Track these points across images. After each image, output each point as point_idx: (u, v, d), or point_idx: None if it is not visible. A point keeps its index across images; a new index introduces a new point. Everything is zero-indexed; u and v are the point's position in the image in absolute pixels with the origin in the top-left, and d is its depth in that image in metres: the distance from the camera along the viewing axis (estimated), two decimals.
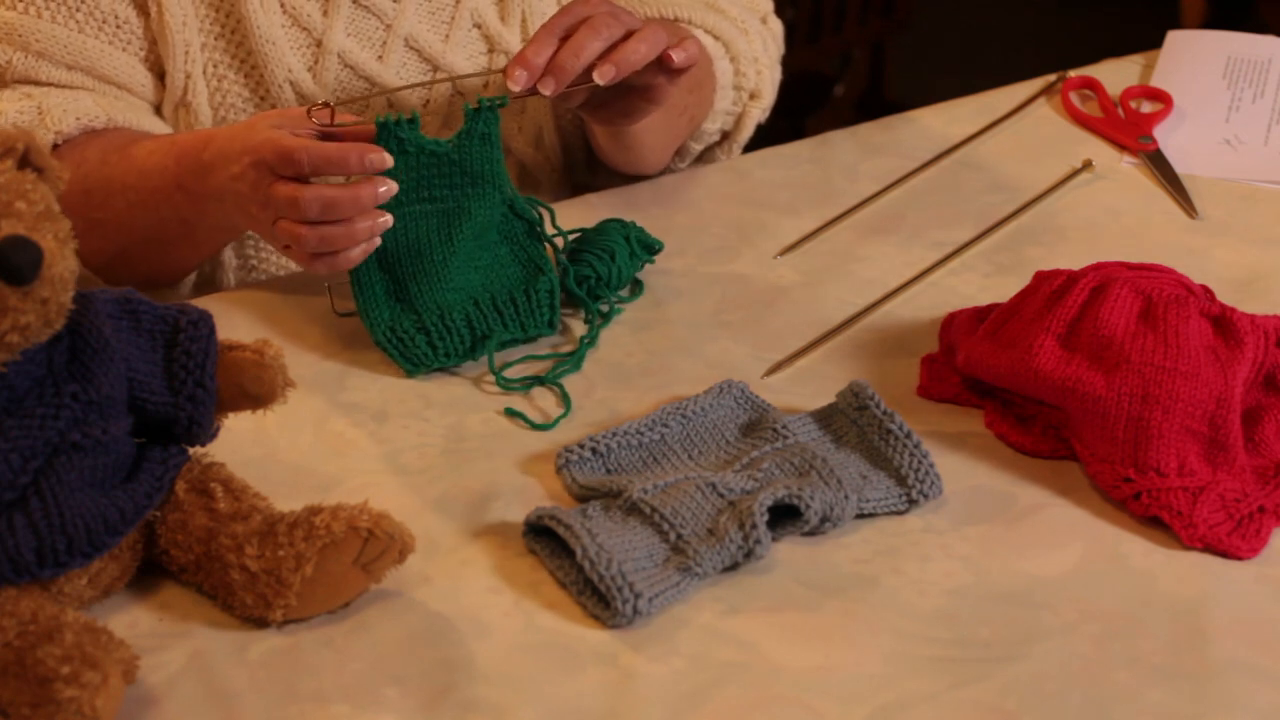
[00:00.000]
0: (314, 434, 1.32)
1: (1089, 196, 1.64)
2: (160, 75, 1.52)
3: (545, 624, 1.15)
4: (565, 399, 1.35)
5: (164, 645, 1.13)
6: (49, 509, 1.08)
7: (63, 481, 1.09)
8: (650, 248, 1.49)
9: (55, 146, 1.44)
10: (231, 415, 1.19)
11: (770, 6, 1.74)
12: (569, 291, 1.44)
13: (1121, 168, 1.69)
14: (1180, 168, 1.68)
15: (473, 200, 1.40)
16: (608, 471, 1.26)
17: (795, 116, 3.15)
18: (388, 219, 1.35)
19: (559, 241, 1.46)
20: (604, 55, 1.38)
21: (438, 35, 1.57)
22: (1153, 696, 1.11)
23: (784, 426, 1.28)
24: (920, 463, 1.25)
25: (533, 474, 1.28)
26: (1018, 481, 1.29)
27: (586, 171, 1.71)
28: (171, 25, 1.49)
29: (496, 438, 1.32)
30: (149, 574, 1.17)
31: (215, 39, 1.51)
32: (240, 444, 1.24)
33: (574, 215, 1.53)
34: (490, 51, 1.59)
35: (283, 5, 1.51)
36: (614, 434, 1.28)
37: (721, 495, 1.21)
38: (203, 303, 1.44)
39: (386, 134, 1.35)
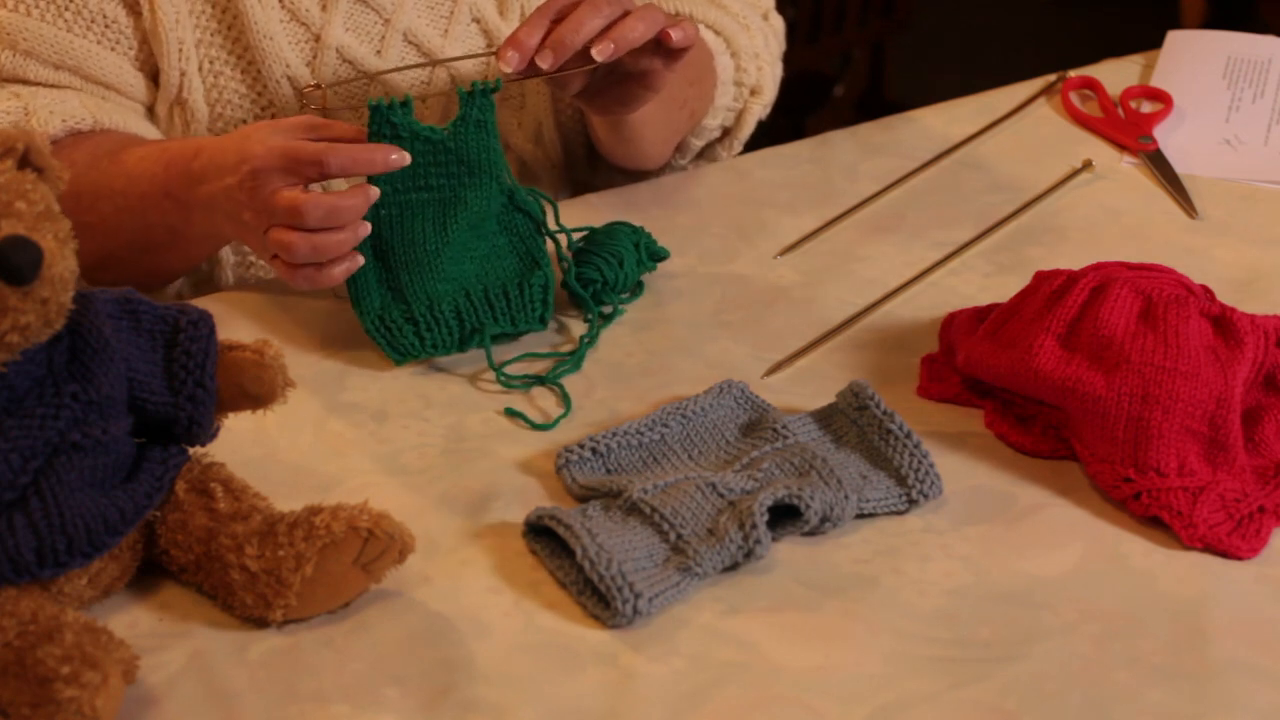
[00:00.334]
0: (314, 434, 1.32)
1: (1089, 196, 1.64)
2: (153, 76, 1.52)
3: (545, 624, 1.15)
4: (565, 399, 1.35)
5: (164, 645, 1.13)
6: (49, 509, 1.08)
7: (63, 481, 1.09)
8: (657, 256, 1.49)
9: None
10: (231, 415, 1.19)
11: (771, 3, 1.74)
12: (571, 290, 1.44)
13: (1121, 168, 1.69)
14: (1180, 168, 1.68)
15: (469, 190, 1.40)
16: (608, 471, 1.26)
17: (795, 116, 3.15)
18: (367, 227, 1.35)
19: (562, 238, 1.46)
20: (603, 33, 1.38)
21: (436, 30, 1.57)
22: (1153, 696, 1.11)
23: (784, 426, 1.28)
24: (920, 463, 1.25)
25: (533, 474, 1.28)
26: (1018, 481, 1.29)
27: (587, 168, 1.71)
28: (164, 23, 1.49)
29: (496, 438, 1.32)
30: (149, 574, 1.17)
31: (212, 35, 1.51)
32: (240, 444, 1.24)
33: (574, 215, 1.53)
34: (489, 46, 1.59)
35: (281, 0, 1.51)
36: (614, 434, 1.28)
37: (721, 495, 1.21)
38: (202, 303, 1.44)
39: (379, 118, 1.35)
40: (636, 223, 1.49)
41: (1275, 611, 1.19)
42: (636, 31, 1.39)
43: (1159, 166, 1.68)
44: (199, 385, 1.15)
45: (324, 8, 1.52)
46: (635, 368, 1.40)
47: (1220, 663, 1.14)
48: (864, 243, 1.57)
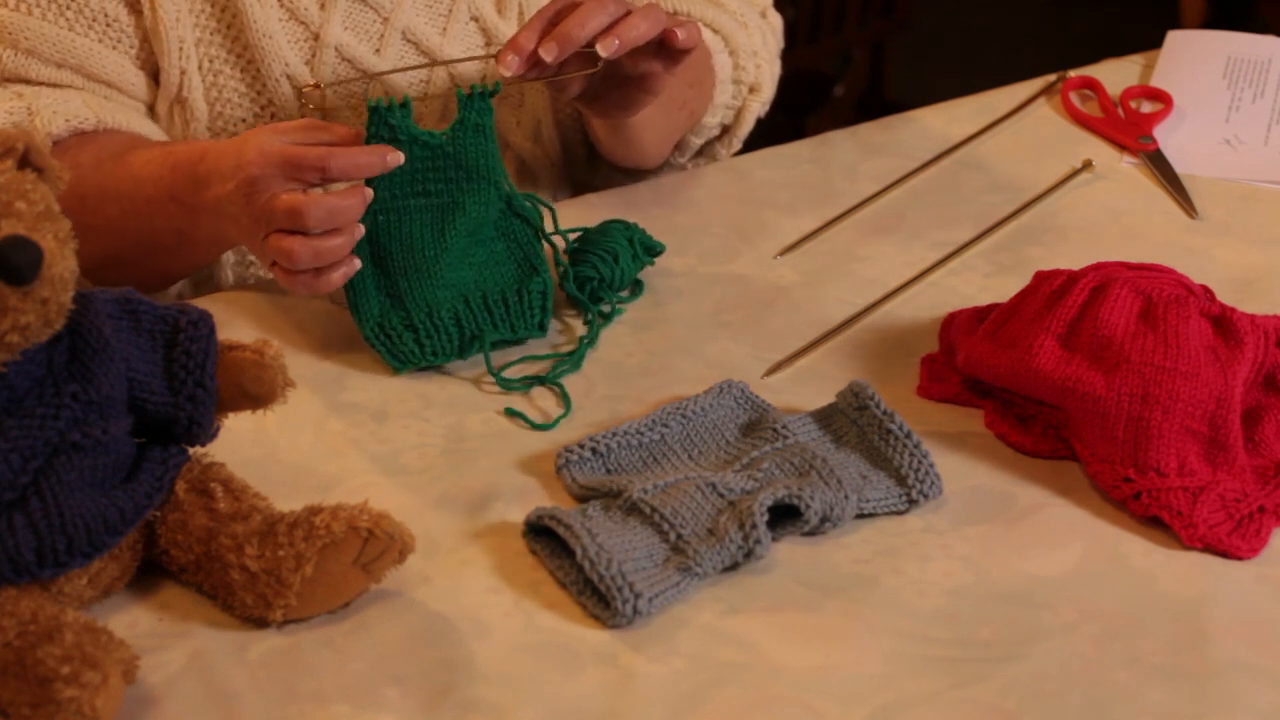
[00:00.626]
0: (314, 434, 1.32)
1: (1089, 196, 1.64)
2: (153, 74, 1.52)
3: (545, 624, 1.15)
4: (565, 399, 1.35)
5: (164, 645, 1.13)
6: (49, 509, 1.08)
7: (63, 481, 1.09)
8: (652, 250, 1.49)
9: None
10: (231, 415, 1.19)
11: (769, 1, 1.74)
12: (569, 293, 1.44)
13: (1121, 168, 1.69)
14: (1180, 168, 1.68)
15: (467, 195, 1.40)
16: (608, 471, 1.26)
17: (795, 116, 3.15)
18: (362, 229, 1.34)
19: (559, 241, 1.46)
20: (607, 30, 1.38)
21: (435, 28, 1.57)
22: (1153, 696, 1.11)
23: (784, 426, 1.28)
24: (920, 463, 1.25)
25: (533, 474, 1.28)
26: (1018, 481, 1.29)
27: (585, 166, 1.71)
28: (166, 21, 1.49)
29: (496, 438, 1.32)
30: (149, 574, 1.17)
31: (211, 34, 1.51)
32: (240, 444, 1.24)
33: (574, 215, 1.53)
34: (488, 45, 1.60)
35: None
36: (614, 434, 1.28)
37: (721, 495, 1.21)
38: (202, 303, 1.44)
39: (378, 119, 1.35)
40: (637, 223, 1.49)
41: (1275, 611, 1.19)
42: (640, 30, 1.39)
43: (1159, 166, 1.68)
44: (199, 385, 1.15)
45: (322, 6, 1.52)
46: (635, 368, 1.40)
47: (1220, 663, 1.14)
48: (864, 243, 1.57)
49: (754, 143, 1.72)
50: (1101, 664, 1.14)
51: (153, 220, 1.42)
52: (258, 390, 1.17)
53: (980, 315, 1.40)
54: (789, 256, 1.55)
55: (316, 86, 1.39)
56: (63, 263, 1.07)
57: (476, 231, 1.41)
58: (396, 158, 1.34)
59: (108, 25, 1.49)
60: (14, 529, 1.08)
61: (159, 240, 1.44)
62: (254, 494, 1.17)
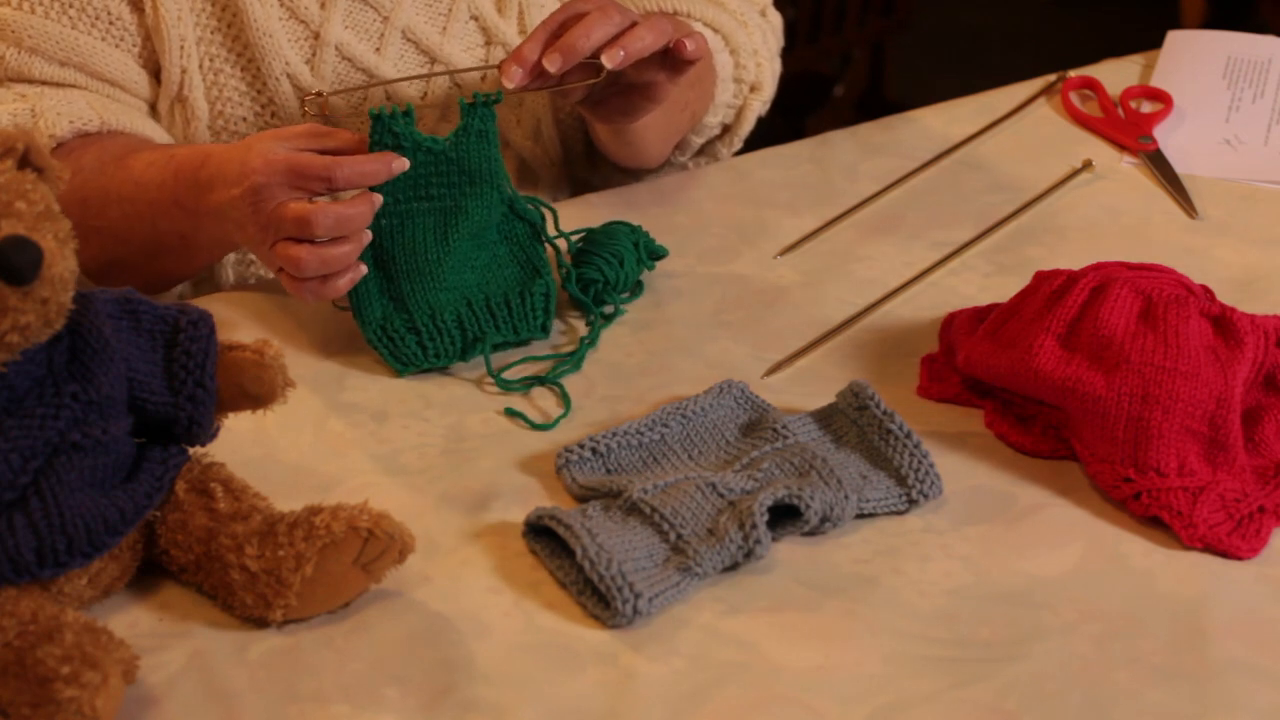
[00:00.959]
0: (314, 434, 1.32)
1: (1089, 196, 1.64)
2: (155, 73, 1.52)
3: (545, 624, 1.15)
4: (565, 399, 1.35)
5: (164, 645, 1.13)
6: (49, 509, 1.08)
7: (63, 481, 1.09)
8: (656, 254, 1.49)
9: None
10: (231, 415, 1.19)
11: None
12: (572, 294, 1.44)
13: (1121, 168, 1.69)
14: (1180, 168, 1.68)
15: (470, 199, 1.40)
16: (608, 471, 1.26)
17: (795, 116, 3.15)
18: (369, 235, 1.35)
19: (562, 244, 1.46)
20: (612, 41, 1.38)
21: (435, 27, 1.57)
22: (1153, 696, 1.11)
23: (784, 426, 1.28)
24: (920, 463, 1.25)
25: (533, 474, 1.28)
26: (1018, 481, 1.29)
27: (586, 166, 1.71)
28: (167, 19, 1.49)
29: (496, 438, 1.32)
30: (149, 574, 1.17)
31: (212, 33, 1.51)
32: (240, 444, 1.24)
33: (574, 215, 1.53)
34: (487, 44, 1.59)
35: None
36: (614, 434, 1.28)
37: (721, 495, 1.21)
38: (202, 303, 1.44)
39: (381, 127, 1.35)
40: (636, 222, 1.49)
41: (1275, 611, 1.19)
42: (645, 41, 1.39)
43: (1159, 166, 1.68)
44: (199, 385, 1.15)
45: (323, 5, 1.52)
46: (635, 368, 1.40)
47: (1220, 663, 1.14)
48: (864, 243, 1.57)
49: (754, 143, 1.72)
50: (1101, 664, 1.14)
51: (155, 224, 1.42)
52: (258, 390, 1.17)
53: (980, 315, 1.40)
54: (789, 256, 1.55)
55: (319, 94, 1.39)
56: (63, 263, 1.07)
57: (479, 235, 1.41)
58: (402, 164, 1.34)
59: (110, 23, 1.49)
60: (14, 529, 1.08)
61: (161, 243, 1.44)
62: (254, 494, 1.17)
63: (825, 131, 1.75)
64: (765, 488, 1.21)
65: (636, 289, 1.48)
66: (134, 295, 1.16)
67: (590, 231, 1.48)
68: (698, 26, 1.60)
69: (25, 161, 1.09)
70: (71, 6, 1.48)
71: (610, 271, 1.44)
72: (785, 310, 1.47)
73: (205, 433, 1.17)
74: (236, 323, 1.42)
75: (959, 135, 1.72)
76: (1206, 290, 1.36)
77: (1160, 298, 1.29)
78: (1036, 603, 1.18)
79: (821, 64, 3.32)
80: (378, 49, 1.55)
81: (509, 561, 1.20)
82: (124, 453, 1.14)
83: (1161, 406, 1.25)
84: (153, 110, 1.54)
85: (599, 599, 1.16)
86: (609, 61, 1.37)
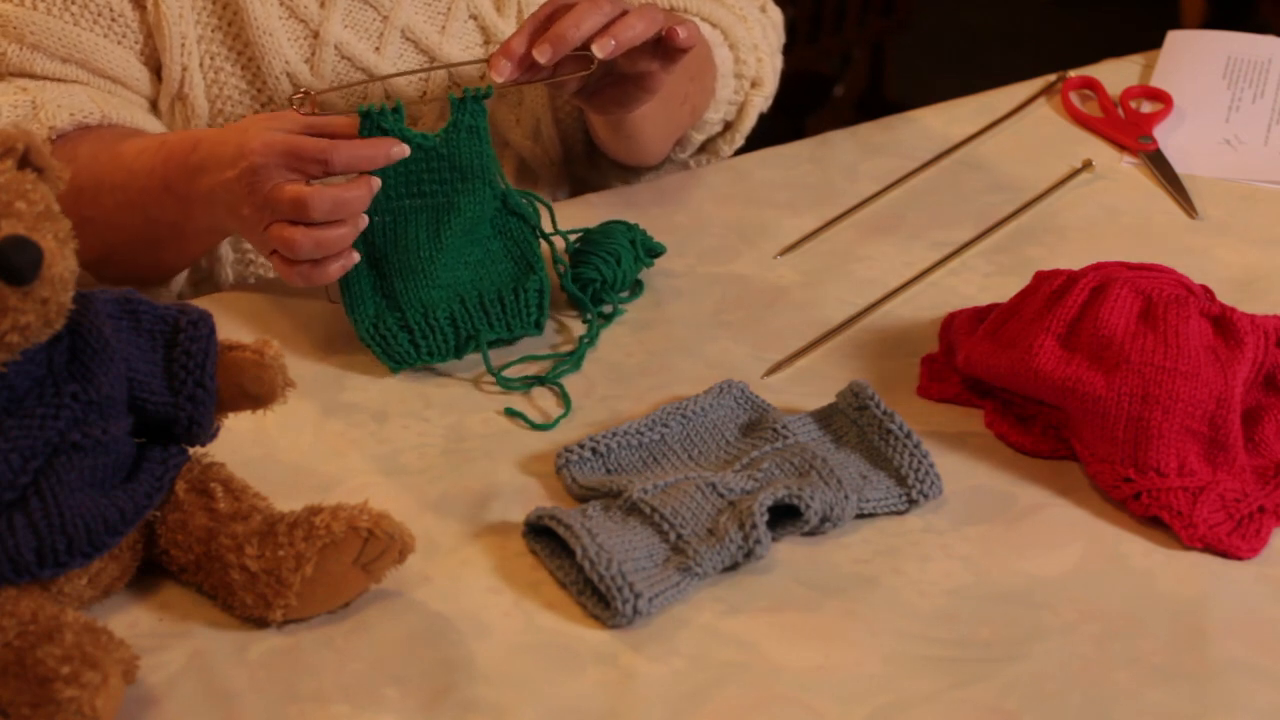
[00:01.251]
0: (313, 434, 1.32)
1: (1089, 196, 1.64)
2: (156, 70, 1.52)
3: (545, 624, 1.15)
4: (565, 399, 1.35)
5: (164, 645, 1.13)
6: (49, 509, 1.08)
7: (63, 481, 1.09)
8: (653, 252, 1.49)
9: (50, 142, 1.44)
10: (231, 415, 1.19)
11: None
12: (570, 293, 1.44)
13: (1121, 168, 1.69)
14: (1180, 168, 1.68)
15: (462, 196, 1.39)
16: (608, 471, 1.26)
17: (795, 116, 3.15)
18: (366, 220, 1.34)
19: (559, 241, 1.46)
20: (603, 30, 1.38)
21: (434, 27, 1.57)
22: (1153, 696, 1.11)
23: (784, 426, 1.28)
24: (920, 463, 1.25)
25: (533, 474, 1.28)
26: (1018, 481, 1.29)
27: (586, 165, 1.71)
28: (168, 17, 1.49)
29: (496, 438, 1.32)
30: (149, 574, 1.17)
31: (212, 31, 1.51)
32: (240, 444, 1.24)
33: (574, 215, 1.53)
34: (486, 43, 1.60)
35: None
36: (614, 434, 1.28)
37: (721, 495, 1.21)
38: (202, 303, 1.44)
39: (370, 124, 1.34)
40: (636, 222, 1.49)
41: (1275, 611, 1.19)
42: (636, 30, 1.38)
43: (1159, 166, 1.68)
44: (199, 385, 1.15)
45: (322, 4, 1.52)
46: (635, 368, 1.40)
47: (1220, 663, 1.14)
48: (864, 243, 1.57)
49: (754, 143, 1.72)
50: (1101, 664, 1.14)
51: (147, 211, 1.42)
52: (258, 390, 1.17)
53: (980, 315, 1.40)
54: (789, 256, 1.55)
55: (306, 93, 1.39)
56: (63, 263, 1.07)
57: (472, 231, 1.41)
58: (402, 150, 1.34)
59: (112, 20, 1.49)
60: (14, 529, 1.08)
61: (154, 231, 1.44)
62: (254, 494, 1.17)
63: (825, 131, 1.75)
64: (765, 488, 1.21)
65: (636, 288, 1.48)
66: (134, 295, 1.16)
67: (587, 231, 1.48)
68: (695, 21, 1.59)
69: (25, 161, 1.09)
70: (74, 3, 1.48)
71: (607, 270, 1.44)
72: (785, 310, 1.47)
73: (205, 433, 1.17)
74: (236, 323, 1.42)
75: (959, 135, 1.72)
76: (1206, 290, 1.36)
77: (1160, 298, 1.29)
78: (1036, 603, 1.18)
79: (821, 64, 3.32)
80: (377, 48, 1.55)
81: (509, 561, 1.20)
82: (124, 453, 1.14)
83: (1161, 406, 1.25)
84: (153, 107, 1.54)
85: (599, 599, 1.16)
86: (600, 52, 1.37)
